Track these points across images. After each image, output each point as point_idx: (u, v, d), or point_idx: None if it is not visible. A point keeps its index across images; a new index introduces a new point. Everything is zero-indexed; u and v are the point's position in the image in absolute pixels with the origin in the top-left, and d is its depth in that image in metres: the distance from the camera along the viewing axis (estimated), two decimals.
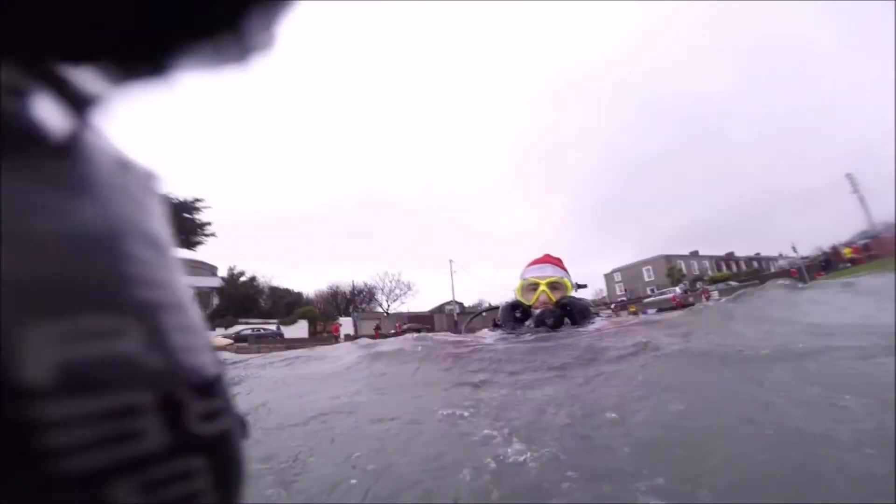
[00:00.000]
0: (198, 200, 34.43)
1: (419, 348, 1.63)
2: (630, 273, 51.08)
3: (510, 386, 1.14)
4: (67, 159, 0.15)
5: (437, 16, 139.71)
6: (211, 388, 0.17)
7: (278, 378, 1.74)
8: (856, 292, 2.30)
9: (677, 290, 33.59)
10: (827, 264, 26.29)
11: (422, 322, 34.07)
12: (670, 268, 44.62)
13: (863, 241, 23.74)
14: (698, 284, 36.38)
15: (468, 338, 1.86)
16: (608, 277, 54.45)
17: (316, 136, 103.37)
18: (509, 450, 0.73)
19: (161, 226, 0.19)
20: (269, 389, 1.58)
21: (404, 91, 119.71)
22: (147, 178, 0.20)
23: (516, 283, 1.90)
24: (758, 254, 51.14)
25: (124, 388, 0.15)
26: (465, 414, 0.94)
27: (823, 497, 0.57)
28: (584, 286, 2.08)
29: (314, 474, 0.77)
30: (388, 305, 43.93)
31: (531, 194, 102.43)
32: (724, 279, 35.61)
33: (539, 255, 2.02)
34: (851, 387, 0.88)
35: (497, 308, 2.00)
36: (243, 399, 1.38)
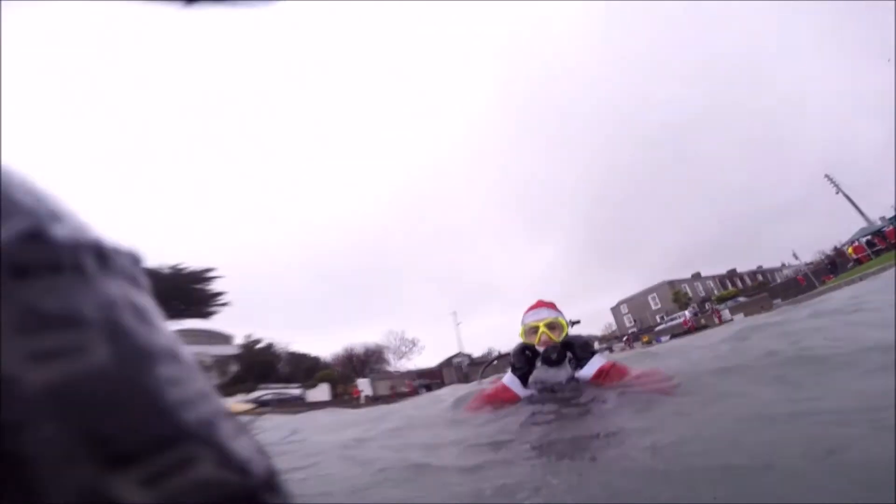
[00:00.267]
0: (209, 270, 34.60)
1: None
2: (636, 303, 50.59)
3: None
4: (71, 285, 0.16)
5: (433, 72, 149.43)
6: (275, 480, 0.19)
7: None
8: None
9: (687, 313, 32.74)
10: (833, 266, 25.99)
11: (431, 377, 34.40)
12: (676, 292, 44.03)
13: (865, 238, 23.36)
14: (707, 305, 35.49)
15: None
16: (615, 310, 53.85)
17: (314, 194, 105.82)
18: None
19: (166, 329, 0.20)
20: None
21: (396, 139, 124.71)
22: (133, 261, 0.20)
23: (518, 328, 2.19)
24: (760, 266, 50.74)
25: None
26: None
27: None
28: (578, 322, 2.34)
29: None
30: (396, 363, 44.11)
31: (529, 237, 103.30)
32: (732, 296, 34.91)
33: (536, 299, 2.28)
34: None
35: (506, 355, 2.29)
36: None
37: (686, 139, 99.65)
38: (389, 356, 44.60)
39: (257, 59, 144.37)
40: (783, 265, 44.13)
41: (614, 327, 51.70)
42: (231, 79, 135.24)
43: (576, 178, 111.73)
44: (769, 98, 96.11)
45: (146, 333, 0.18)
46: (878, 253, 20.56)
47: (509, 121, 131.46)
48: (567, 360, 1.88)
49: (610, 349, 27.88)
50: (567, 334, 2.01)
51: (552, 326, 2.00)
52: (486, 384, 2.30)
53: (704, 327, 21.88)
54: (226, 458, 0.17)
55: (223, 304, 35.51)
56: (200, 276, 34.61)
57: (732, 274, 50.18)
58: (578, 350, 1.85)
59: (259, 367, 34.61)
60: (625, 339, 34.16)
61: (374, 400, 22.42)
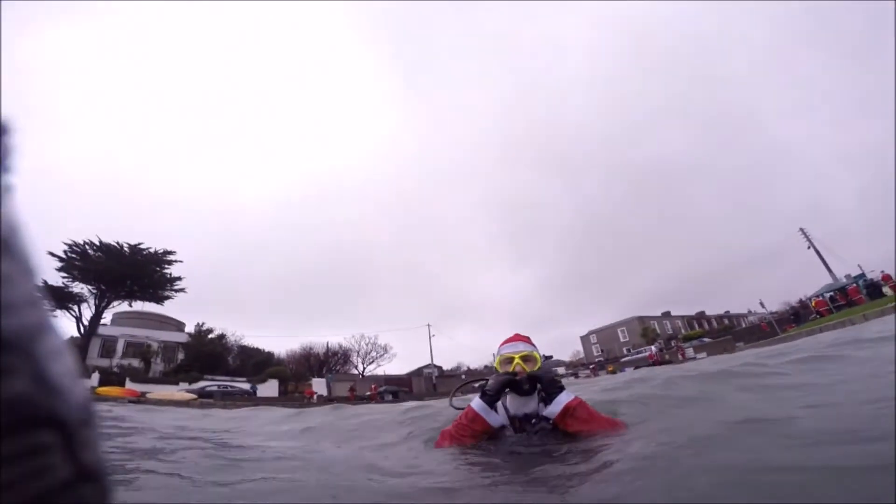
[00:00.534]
0: (168, 253, 32.79)
1: None
2: (605, 334, 51.26)
3: None
4: None
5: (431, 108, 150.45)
6: (89, 416, 0.17)
7: None
8: None
9: (653, 348, 33.22)
10: (797, 317, 27.12)
11: (399, 385, 33.90)
12: (644, 328, 44.80)
13: (829, 294, 24.41)
14: (673, 343, 36.12)
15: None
16: (584, 339, 54.47)
17: (300, 197, 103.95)
18: None
19: (15, 239, 0.17)
20: None
21: (376, 154, 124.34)
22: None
23: (495, 350, 2.35)
24: (727, 311, 52.03)
25: (29, 428, 0.14)
26: None
27: None
28: (550, 357, 2.43)
29: None
30: (364, 368, 43.72)
31: (510, 263, 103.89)
32: (698, 336, 35.73)
33: (514, 326, 2.56)
34: None
35: (476, 372, 2.87)
36: None
37: (671, 182, 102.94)
38: (357, 360, 43.98)
39: (257, 59, 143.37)
40: (749, 311, 45.32)
41: (582, 355, 52.03)
42: (236, 70, 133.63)
43: (563, 210, 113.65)
44: (754, 146, 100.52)
45: None
46: (839, 308, 21.61)
47: (503, 144, 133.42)
48: (537, 390, 2.00)
49: (576, 375, 28.13)
50: (540, 367, 2.12)
51: (526, 359, 2.12)
52: (457, 403, 2.51)
53: (668, 362, 22.04)
54: (41, 376, 0.15)
55: (179, 290, 33.86)
56: (159, 259, 32.93)
57: (701, 315, 51.31)
58: (547, 385, 1.97)
59: (207, 357, 33.05)
60: (591, 366, 34.35)
61: (329, 401, 21.44)
